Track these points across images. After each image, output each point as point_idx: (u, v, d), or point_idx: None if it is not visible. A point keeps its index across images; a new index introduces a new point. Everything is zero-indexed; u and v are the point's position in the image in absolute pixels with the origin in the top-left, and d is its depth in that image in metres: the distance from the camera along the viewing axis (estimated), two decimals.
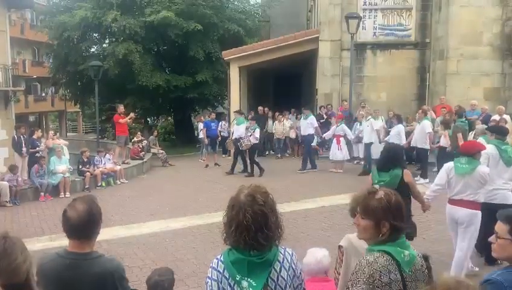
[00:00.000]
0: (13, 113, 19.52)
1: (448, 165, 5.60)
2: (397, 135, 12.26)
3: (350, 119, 15.05)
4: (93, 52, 23.23)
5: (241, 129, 13.72)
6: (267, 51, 17.58)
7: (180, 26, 19.57)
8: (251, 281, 2.14)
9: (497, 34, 15.33)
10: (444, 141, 11.49)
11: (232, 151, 15.17)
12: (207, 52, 20.56)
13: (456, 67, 15.43)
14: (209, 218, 9.06)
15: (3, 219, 9.86)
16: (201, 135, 17.28)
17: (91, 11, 19.90)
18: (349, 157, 14.04)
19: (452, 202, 5.52)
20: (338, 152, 13.62)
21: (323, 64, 17.05)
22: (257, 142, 13.68)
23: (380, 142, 13.32)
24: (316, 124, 14.15)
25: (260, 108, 17.91)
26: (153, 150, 17.59)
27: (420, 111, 12.84)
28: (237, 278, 2.14)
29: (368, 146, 13.26)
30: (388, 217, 2.22)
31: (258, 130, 13.79)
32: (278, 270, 2.19)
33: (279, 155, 16.80)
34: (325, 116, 16.00)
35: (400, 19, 16.87)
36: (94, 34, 22.70)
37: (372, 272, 2.12)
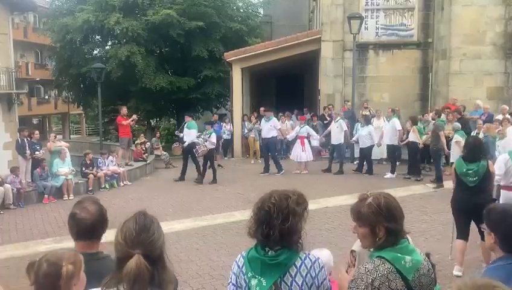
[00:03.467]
0: (16, 116, 19.59)
1: (504, 157, 6.34)
2: (368, 134, 13.10)
3: (353, 120, 15.03)
4: (95, 54, 23.28)
5: (192, 134, 13.11)
6: (269, 52, 17.59)
7: (182, 25, 19.61)
8: (262, 280, 2.17)
9: (500, 33, 15.30)
10: (413, 136, 12.15)
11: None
12: (210, 49, 20.59)
13: (458, 67, 15.39)
14: (212, 219, 9.08)
15: (8, 221, 9.90)
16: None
17: (93, 14, 19.96)
18: (312, 159, 13.96)
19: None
20: (302, 153, 13.63)
21: (326, 65, 17.05)
22: (213, 147, 13.16)
23: (347, 142, 14.25)
24: (278, 126, 14.28)
25: (262, 109, 17.88)
26: (156, 152, 17.61)
27: (390, 110, 13.47)
28: (249, 275, 2.22)
29: (337, 147, 13.73)
30: (381, 221, 2.18)
31: (214, 135, 13.08)
32: (292, 275, 2.18)
33: (283, 156, 16.75)
34: (328, 118, 15.96)
35: (402, 18, 16.86)
36: (97, 37, 22.75)
37: (370, 281, 2.09)
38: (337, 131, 13.66)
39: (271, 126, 13.87)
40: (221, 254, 7.06)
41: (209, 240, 7.76)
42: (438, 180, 11.34)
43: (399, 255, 2.15)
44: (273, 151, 14.05)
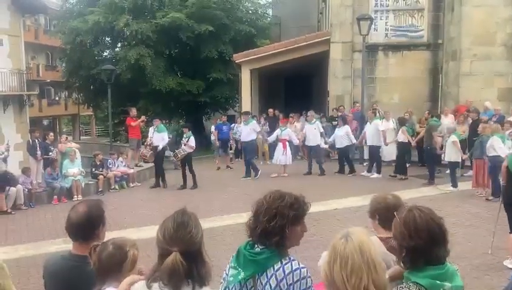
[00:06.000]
0: (27, 117, 19.79)
1: None
2: (346, 135, 13.31)
3: (362, 121, 14.98)
4: (105, 56, 23.46)
5: (164, 137, 12.92)
6: (278, 53, 17.59)
7: (192, 28, 19.68)
8: (242, 272, 2.23)
9: (511, 34, 15.16)
10: (402, 137, 12.51)
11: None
12: (219, 50, 20.64)
13: (469, 68, 15.28)
14: (220, 221, 9.08)
15: (19, 221, 9.99)
16: (212, 137, 17.37)
17: (103, 16, 20.08)
18: (291, 162, 13.75)
19: None
20: (282, 157, 13.47)
21: (335, 66, 17.00)
22: (192, 151, 12.79)
23: (325, 143, 14.42)
24: (258, 129, 14.17)
25: (270, 110, 17.86)
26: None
27: (370, 111, 13.75)
28: (231, 265, 2.32)
29: (314, 148, 13.80)
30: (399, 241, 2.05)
31: (192, 138, 12.62)
32: (268, 277, 2.18)
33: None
34: (337, 119, 15.88)
35: (411, 19, 16.77)
36: (106, 38, 22.92)
37: None
38: (314, 132, 13.71)
39: (250, 129, 13.79)
40: (230, 255, 7.02)
41: (217, 241, 7.76)
42: (431, 178, 11.75)
43: (438, 282, 1.95)
44: (251, 155, 13.88)
